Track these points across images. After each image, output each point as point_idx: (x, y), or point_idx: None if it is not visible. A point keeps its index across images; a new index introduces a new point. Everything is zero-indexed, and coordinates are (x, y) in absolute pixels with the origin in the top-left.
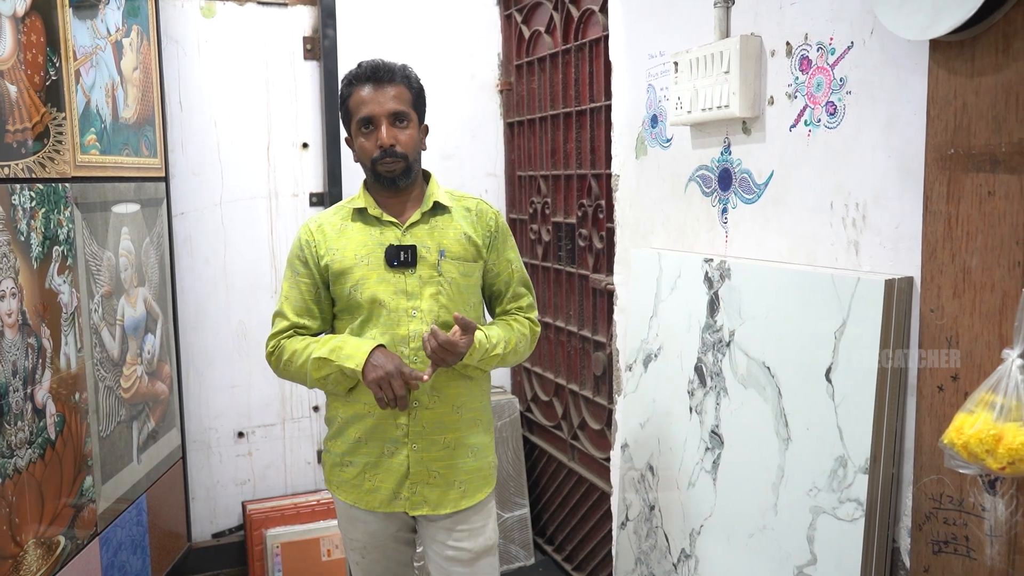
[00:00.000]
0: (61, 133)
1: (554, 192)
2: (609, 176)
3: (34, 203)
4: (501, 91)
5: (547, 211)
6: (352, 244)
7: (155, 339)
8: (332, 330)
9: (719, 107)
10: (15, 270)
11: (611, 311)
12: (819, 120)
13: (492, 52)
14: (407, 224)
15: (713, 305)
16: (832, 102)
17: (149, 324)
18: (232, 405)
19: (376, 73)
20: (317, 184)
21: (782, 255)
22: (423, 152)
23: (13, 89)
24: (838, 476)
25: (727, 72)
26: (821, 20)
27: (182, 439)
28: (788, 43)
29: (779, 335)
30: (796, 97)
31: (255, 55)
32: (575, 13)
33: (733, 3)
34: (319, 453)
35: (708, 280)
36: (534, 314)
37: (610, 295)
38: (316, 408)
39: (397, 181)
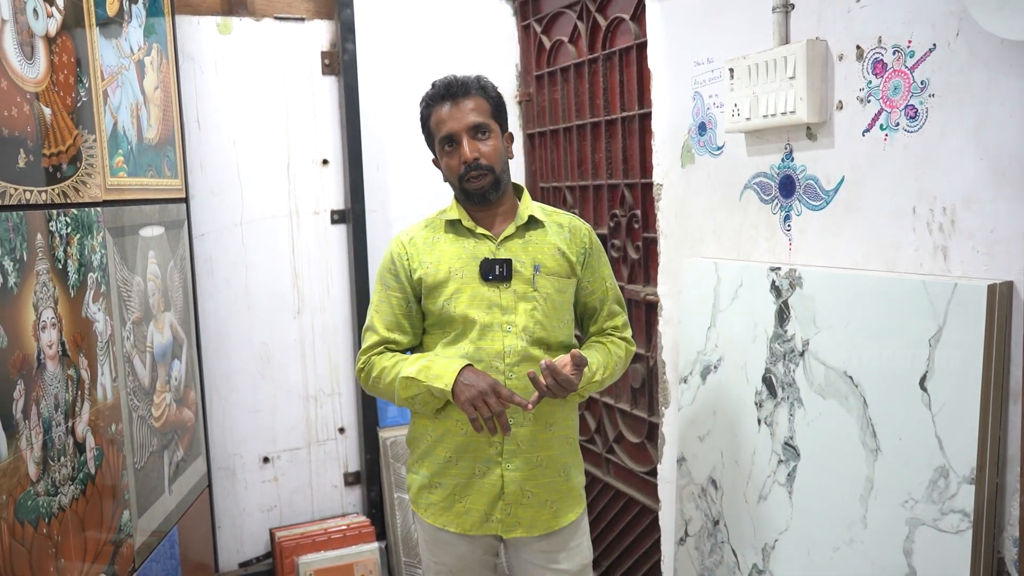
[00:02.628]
0: (92, 156)
1: (582, 203)
2: (645, 185)
3: (69, 229)
4: (520, 102)
5: None
6: (445, 257)
7: (181, 364)
8: (421, 345)
9: (783, 113)
10: (54, 299)
11: (650, 322)
12: (897, 124)
13: (510, 63)
14: (501, 237)
15: (782, 314)
16: (912, 105)
17: (175, 349)
18: (256, 430)
19: (450, 89)
20: (338, 201)
21: (856, 262)
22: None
23: (48, 112)
24: (939, 487)
25: (792, 77)
26: (897, 23)
27: (207, 466)
28: (859, 47)
29: (862, 344)
30: (869, 101)
31: (273, 71)
32: (602, 22)
33: (792, 8)
34: (346, 475)
35: (775, 289)
36: (628, 333)
37: (649, 306)
38: (342, 430)
39: (488, 195)
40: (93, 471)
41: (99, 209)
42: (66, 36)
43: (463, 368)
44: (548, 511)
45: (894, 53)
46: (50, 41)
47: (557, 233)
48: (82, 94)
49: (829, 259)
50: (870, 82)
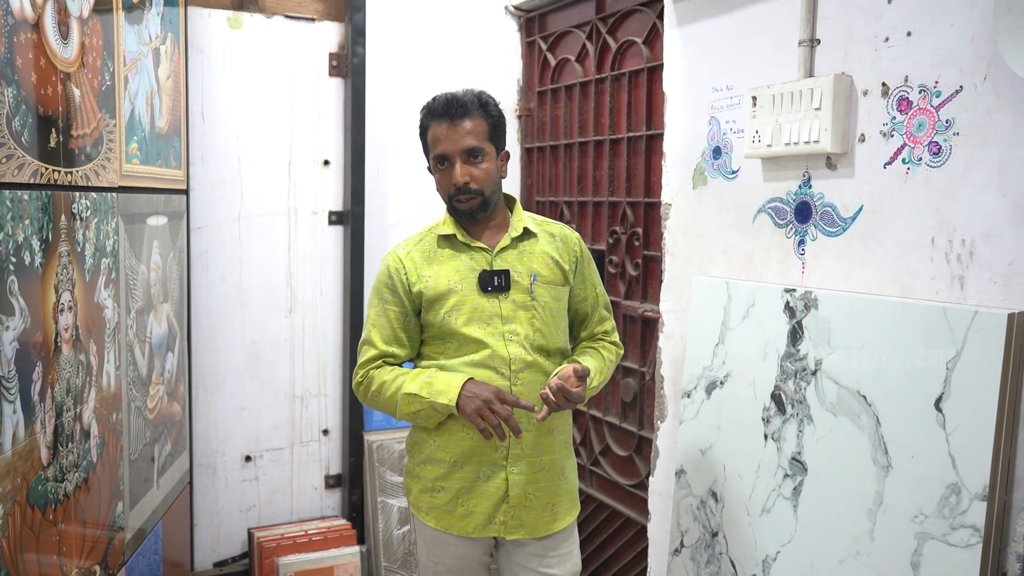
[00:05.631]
0: (112, 141)
1: (580, 218)
2: (648, 204)
3: (88, 213)
4: (519, 116)
5: None
6: (444, 270)
7: (173, 357)
8: (420, 356)
9: (807, 142)
10: (72, 282)
11: (645, 338)
12: (920, 159)
13: (511, 78)
14: (497, 249)
15: (795, 334)
16: (936, 142)
17: (169, 342)
18: (241, 428)
19: (449, 109)
20: (337, 203)
21: (870, 287)
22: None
23: (77, 93)
24: (950, 503)
25: (818, 108)
26: (924, 64)
27: (190, 462)
28: (884, 84)
29: (877, 365)
30: (892, 136)
31: (280, 69)
32: (612, 44)
33: (819, 43)
34: (327, 478)
35: (789, 310)
36: (616, 336)
37: (646, 322)
38: (326, 431)
39: (475, 215)
40: (95, 459)
41: (115, 195)
42: (96, 19)
43: (465, 382)
44: (548, 513)
45: (920, 92)
46: (83, 22)
47: (549, 243)
48: (107, 78)
49: (843, 284)
50: (894, 118)
